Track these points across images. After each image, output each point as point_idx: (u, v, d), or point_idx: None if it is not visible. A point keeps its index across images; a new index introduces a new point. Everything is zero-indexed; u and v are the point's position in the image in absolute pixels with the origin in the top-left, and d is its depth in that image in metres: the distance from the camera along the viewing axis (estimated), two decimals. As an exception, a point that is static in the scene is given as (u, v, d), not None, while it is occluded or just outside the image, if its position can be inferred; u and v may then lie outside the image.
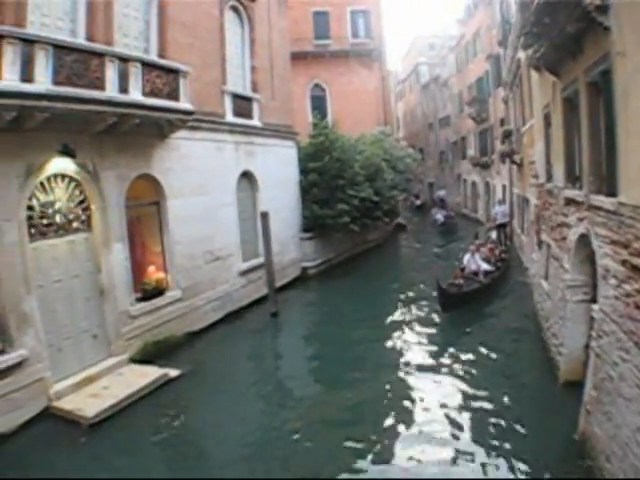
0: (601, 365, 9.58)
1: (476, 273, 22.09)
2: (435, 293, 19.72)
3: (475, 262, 22.48)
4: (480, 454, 10.50)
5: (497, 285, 22.90)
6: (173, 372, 14.47)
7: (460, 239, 37.15)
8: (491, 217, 35.05)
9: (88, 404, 12.19)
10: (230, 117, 20.94)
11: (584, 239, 11.36)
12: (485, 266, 22.81)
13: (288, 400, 13.97)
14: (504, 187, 36.64)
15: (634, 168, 7.96)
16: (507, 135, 31.06)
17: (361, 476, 8.46)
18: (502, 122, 36.27)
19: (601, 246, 9.87)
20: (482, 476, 9.06)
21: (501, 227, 31.58)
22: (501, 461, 10.22)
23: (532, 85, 19.86)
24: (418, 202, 63.02)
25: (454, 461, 10.22)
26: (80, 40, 13.25)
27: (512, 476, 9.52)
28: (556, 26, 10.53)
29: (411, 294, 23.45)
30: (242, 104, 21.96)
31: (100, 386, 13.19)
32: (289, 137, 26.98)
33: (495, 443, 10.86)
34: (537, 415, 11.97)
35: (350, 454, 10.67)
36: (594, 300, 11.01)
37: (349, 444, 11.04)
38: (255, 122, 23.01)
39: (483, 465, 10.11)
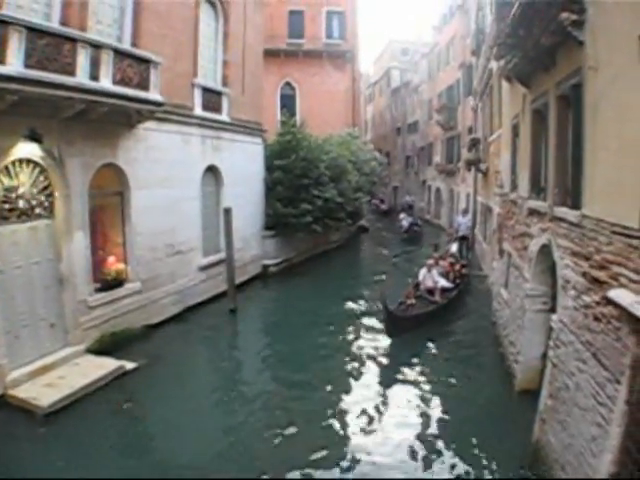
0: (558, 374, 9.69)
1: (432, 291, 20.57)
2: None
3: (432, 278, 20.92)
4: (435, 463, 10.53)
5: (454, 305, 21.23)
6: (129, 365, 14.32)
7: (422, 248, 36.28)
8: (453, 228, 34.20)
9: (43, 393, 12.00)
10: (199, 110, 20.79)
11: (545, 250, 11.49)
12: (443, 282, 21.46)
13: (241, 396, 14.05)
14: (468, 195, 36.88)
15: (599, 182, 8.08)
16: (474, 143, 31.24)
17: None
18: (470, 130, 36.60)
19: (562, 257, 9.99)
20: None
21: (463, 240, 30.61)
22: (458, 469, 10.26)
23: (502, 95, 20.02)
24: (384, 207, 62.56)
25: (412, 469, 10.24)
26: (54, 24, 13.03)
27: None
28: (530, 38, 10.63)
29: (366, 297, 23.56)
30: (212, 98, 21.84)
31: (56, 375, 13.00)
32: (257, 134, 26.86)
33: (450, 452, 10.90)
34: (492, 424, 12.06)
35: (294, 448, 10.93)
36: (553, 310, 11.16)
37: (295, 440, 11.27)
38: (224, 117, 22.90)
39: (442, 468, 10.19)
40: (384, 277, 27.10)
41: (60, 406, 11.78)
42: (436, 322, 18.84)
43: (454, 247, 29.28)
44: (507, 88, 17.46)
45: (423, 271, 21.39)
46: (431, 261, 22.10)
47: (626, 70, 6.97)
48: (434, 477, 8.58)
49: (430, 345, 17.21)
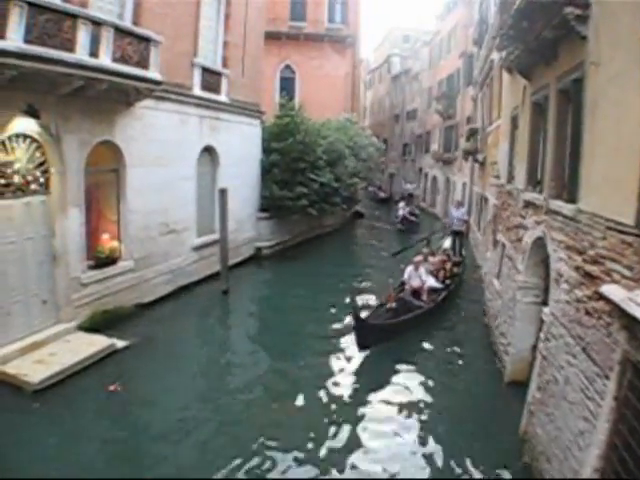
0: (547, 367, 9.74)
1: (419, 291, 18.62)
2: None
3: (419, 277, 18.84)
4: (423, 449, 10.66)
5: (443, 309, 19.23)
6: (120, 343, 14.35)
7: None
8: (447, 222, 32.48)
9: (34, 370, 12.01)
10: (197, 90, 20.70)
11: (540, 242, 11.50)
12: (432, 282, 19.30)
13: (230, 375, 14.25)
14: (464, 184, 36.96)
15: (596, 177, 8.09)
16: (472, 133, 31.14)
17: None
18: (468, 120, 36.68)
19: (556, 250, 10.00)
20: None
21: (456, 234, 28.04)
22: (445, 458, 10.32)
23: (503, 86, 19.98)
24: (383, 194, 61.87)
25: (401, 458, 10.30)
26: (55, 0, 12.94)
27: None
28: (533, 31, 10.60)
29: (359, 285, 23.44)
30: (211, 78, 21.72)
31: (47, 352, 12.99)
32: (255, 115, 26.77)
33: (439, 442, 10.95)
34: (481, 414, 12.14)
35: (285, 429, 11.07)
36: (544, 303, 11.20)
37: (284, 418, 11.52)
38: (222, 97, 22.81)
39: (427, 462, 10.20)
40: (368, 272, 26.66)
41: (50, 383, 11.78)
42: (421, 328, 17.11)
43: (447, 242, 27.53)
44: (508, 79, 17.44)
45: (409, 269, 19.15)
46: (419, 258, 19.88)
47: (627, 69, 6.96)
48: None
49: (414, 344, 16.26)
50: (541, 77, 12.00)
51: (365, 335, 14.82)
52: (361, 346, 14.95)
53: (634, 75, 6.64)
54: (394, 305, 17.35)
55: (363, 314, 16.07)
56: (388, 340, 15.52)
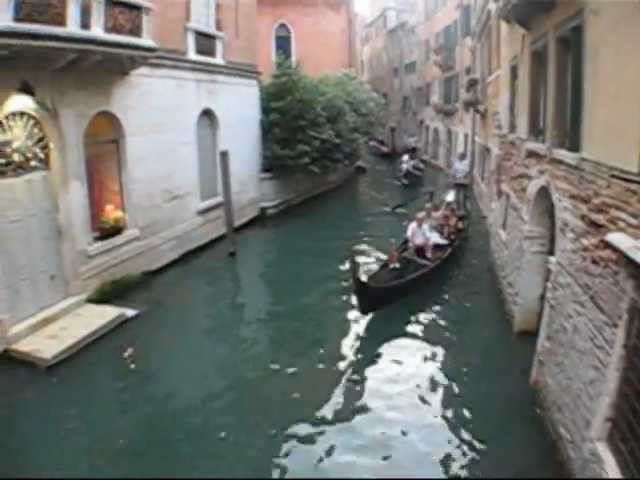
0: (555, 317, 9.77)
1: (423, 249, 17.96)
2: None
3: (422, 234, 18.03)
4: (436, 400, 10.84)
5: (448, 266, 18.79)
6: (130, 312, 14.44)
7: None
8: (450, 174, 32.26)
9: (46, 345, 12.06)
10: (193, 55, 20.51)
11: (544, 192, 11.46)
12: (436, 238, 18.79)
13: (241, 337, 14.41)
14: (466, 136, 36.75)
15: (599, 125, 8.01)
16: (472, 84, 30.93)
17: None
18: (468, 71, 36.33)
19: (561, 199, 9.96)
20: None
21: (460, 187, 27.90)
22: (456, 406, 10.52)
23: (501, 36, 19.79)
24: (385, 149, 61.27)
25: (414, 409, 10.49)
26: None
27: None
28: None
29: (364, 238, 23.74)
30: (205, 42, 21.50)
31: (58, 327, 13.04)
32: (252, 76, 26.58)
33: (450, 390, 11.18)
34: (492, 364, 12.31)
35: (296, 391, 11.14)
36: (551, 252, 11.23)
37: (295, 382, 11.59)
38: (218, 60, 22.60)
39: (442, 409, 10.45)
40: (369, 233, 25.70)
41: (64, 357, 11.87)
42: (426, 287, 16.65)
43: (451, 196, 25.90)
44: (506, 29, 17.25)
45: (412, 226, 18.30)
46: (422, 214, 18.96)
47: (626, 16, 6.85)
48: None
49: (421, 304, 15.81)
50: (540, 26, 11.82)
51: (367, 300, 14.22)
52: (363, 311, 14.44)
53: (633, 23, 6.54)
54: (397, 265, 16.77)
55: (366, 277, 15.79)
56: (393, 302, 14.99)
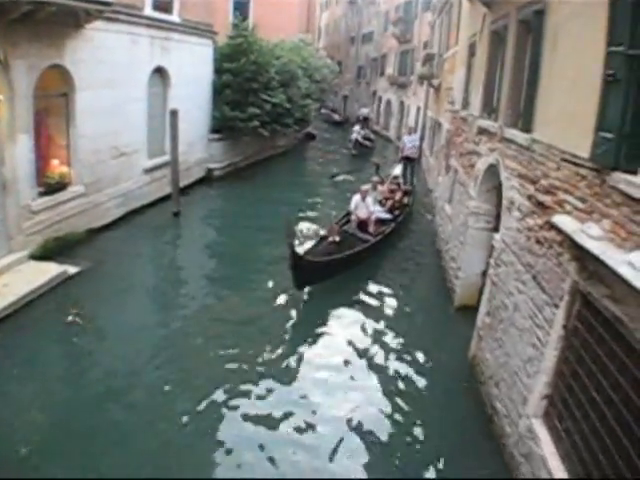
0: (497, 293, 9.98)
1: (365, 223, 17.63)
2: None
3: (366, 207, 17.62)
4: (372, 374, 10.90)
5: (391, 242, 18.62)
6: (72, 269, 14.25)
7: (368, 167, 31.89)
8: (400, 147, 31.33)
9: (-12, 302, 11.85)
10: (149, 10, 20.08)
11: (492, 169, 11.64)
12: (379, 212, 18.69)
13: (183, 296, 14.43)
14: (418, 109, 37.07)
15: (553, 108, 8.14)
16: (429, 59, 31.34)
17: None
18: (425, 45, 36.60)
19: (509, 178, 10.14)
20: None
21: (408, 160, 27.75)
22: (394, 380, 10.67)
23: (462, 13, 19.84)
24: (337, 117, 61.48)
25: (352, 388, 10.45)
26: None
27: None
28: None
29: (308, 204, 24.09)
30: (163, -2, 21.14)
31: (0, 284, 12.82)
32: (207, 36, 26.14)
33: (387, 364, 11.29)
34: (431, 337, 12.52)
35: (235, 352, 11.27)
36: (496, 229, 11.38)
37: (234, 343, 11.65)
38: (174, 17, 22.21)
39: (379, 384, 10.51)
40: (318, 200, 25.94)
41: (5, 314, 11.64)
42: (367, 263, 16.63)
43: (398, 169, 26.05)
44: (467, 7, 17.35)
45: (356, 198, 17.78)
46: (367, 186, 18.52)
47: (587, 4, 6.94)
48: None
49: (360, 280, 15.72)
50: (502, 6, 11.89)
51: (303, 274, 13.53)
52: (299, 286, 13.90)
53: (594, 11, 6.61)
54: (337, 239, 15.95)
55: (303, 249, 15.45)
56: (330, 277, 14.65)
